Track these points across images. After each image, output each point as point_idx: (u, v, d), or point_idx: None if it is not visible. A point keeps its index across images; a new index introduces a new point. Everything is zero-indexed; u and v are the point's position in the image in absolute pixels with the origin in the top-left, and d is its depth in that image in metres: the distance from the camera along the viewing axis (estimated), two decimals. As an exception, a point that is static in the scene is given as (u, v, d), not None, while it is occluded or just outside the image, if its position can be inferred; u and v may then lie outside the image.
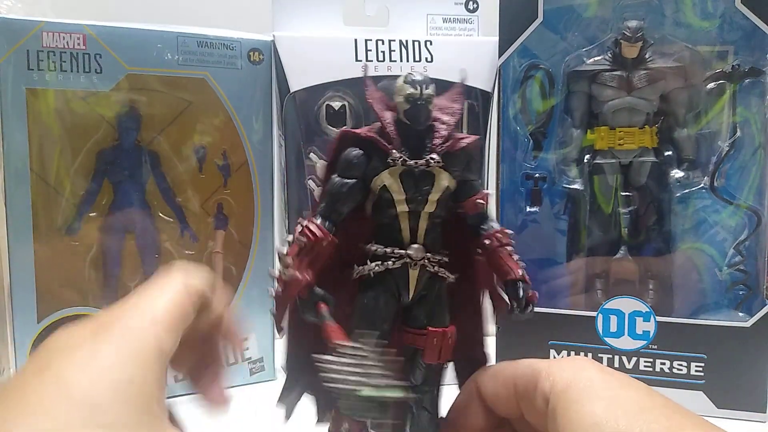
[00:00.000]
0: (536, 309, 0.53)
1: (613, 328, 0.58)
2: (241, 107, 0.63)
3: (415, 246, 0.33)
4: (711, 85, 0.58)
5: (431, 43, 0.63)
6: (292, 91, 0.60)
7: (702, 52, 0.57)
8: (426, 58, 0.62)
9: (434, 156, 0.32)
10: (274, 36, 0.62)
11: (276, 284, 0.32)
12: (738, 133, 0.57)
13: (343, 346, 0.30)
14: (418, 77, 0.32)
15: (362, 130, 0.34)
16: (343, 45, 0.61)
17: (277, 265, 0.33)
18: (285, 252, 0.32)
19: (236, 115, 0.63)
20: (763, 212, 0.57)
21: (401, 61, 0.62)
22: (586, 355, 0.59)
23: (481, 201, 0.34)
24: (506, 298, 0.34)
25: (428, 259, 0.33)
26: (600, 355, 0.58)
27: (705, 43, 0.57)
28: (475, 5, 0.66)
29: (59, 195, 0.58)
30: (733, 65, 0.57)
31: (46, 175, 0.57)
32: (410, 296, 0.34)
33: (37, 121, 0.56)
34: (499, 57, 0.61)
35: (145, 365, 0.26)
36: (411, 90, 0.32)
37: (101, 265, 0.60)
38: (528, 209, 0.63)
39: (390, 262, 0.33)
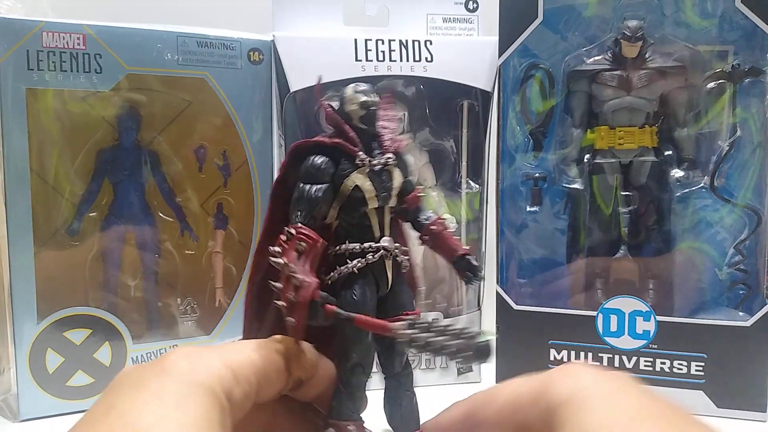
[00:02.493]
0: (536, 309, 0.54)
1: (614, 327, 0.58)
2: (241, 107, 0.63)
3: (386, 238, 0.36)
4: (711, 85, 0.58)
5: (431, 43, 0.63)
6: (292, 91, 0.60)
7: (702, 51, 0.57)
8: (426, 58, 0.62)
9: (390, 155, 0.36)
10: (274, 36, 0.61)
11: (285, 295, 0.32)
12: (738, 133, 0.57)
13: (406, 325, 0.32)
14: (368, 87, 0.36)
15: (322, 139, 0.36)
16: (343, 45, 0.61)
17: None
18: (283, 261, 0.32)
19: (236, 115, 0.63)
20: (762, 212, 0.57)
21: (401, 60, 0.62)
22: (586, 355, 0.59)
23: (422, 194, 0.38)
24: (458, 271, 0.38)
25: (398, 249, 0.37)
26: (600, 354, 0.58)
27: (705, 42, 0.57)
28: (475, 5, 0.66)
29: (59, 195, 0.58)
30: (733, 65, 0.56)
31: (46, 175, 0.57)
32: (388, 286, 0.36)
33: (36, 121, 0.56)
34: (499, 57, 0.61)
35: None
36: (365, 98, 0.35)
37: (101, 265, 0.60)
38: (528, 209, 0.63)
39: (370, 256, 0.35)
